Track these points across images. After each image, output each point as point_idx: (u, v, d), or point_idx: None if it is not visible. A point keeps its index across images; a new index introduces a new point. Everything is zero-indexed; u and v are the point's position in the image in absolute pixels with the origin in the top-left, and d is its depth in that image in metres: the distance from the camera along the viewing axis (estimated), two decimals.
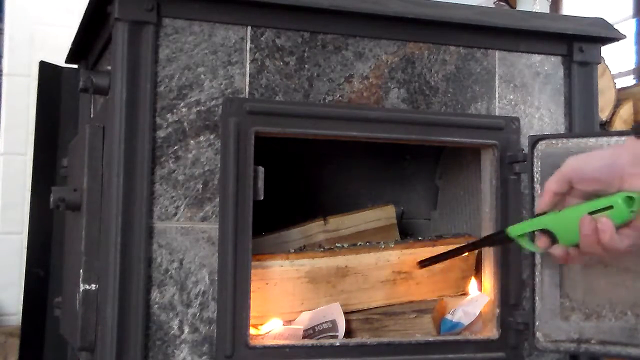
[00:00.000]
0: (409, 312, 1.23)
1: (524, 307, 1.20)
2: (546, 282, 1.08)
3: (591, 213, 0.86)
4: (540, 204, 0.91)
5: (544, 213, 0.91)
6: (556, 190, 0.89)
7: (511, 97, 1.24)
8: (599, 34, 1.26)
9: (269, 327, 1.18)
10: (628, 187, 0.84)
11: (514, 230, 0.94)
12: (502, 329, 1.17)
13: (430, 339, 1.16)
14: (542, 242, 0.91)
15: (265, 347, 1.08)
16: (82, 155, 1.11)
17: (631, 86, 2.98)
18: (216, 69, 1.09)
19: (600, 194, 0.86)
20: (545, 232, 0.90)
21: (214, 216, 1.07)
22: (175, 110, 1.07)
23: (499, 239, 0.99)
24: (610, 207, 0.84)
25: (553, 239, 0.90)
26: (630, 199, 0.83)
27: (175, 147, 1.06)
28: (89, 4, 1.13)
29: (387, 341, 1.14)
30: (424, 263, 1.10)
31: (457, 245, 1.13)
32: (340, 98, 1.15)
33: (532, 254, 1.10)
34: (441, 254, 1.11)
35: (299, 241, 1.36)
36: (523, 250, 0.95)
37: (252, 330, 1.15)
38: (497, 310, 1.18)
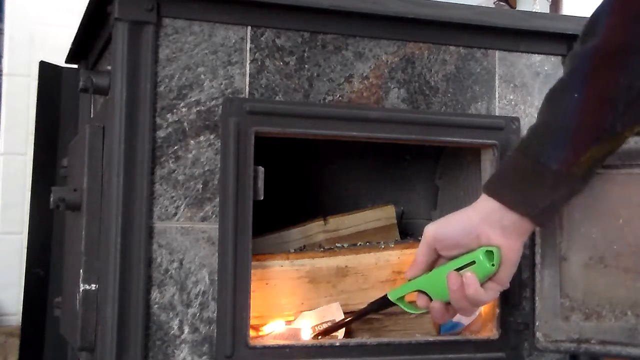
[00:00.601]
0: (409, 312, 1.23)
1: (524, 307, 1.20)
2: (546, 282, 1.08)
3: (458, 269, 0.92)
4: (413, 270, 0.97)
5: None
6: (425, 259, 0.95)
7: (511, 97, 1.24)
8: None
9: (273, 327, 1.18)
10: (484, 244, 0.90)
11: (393, 294, 1.01)
12: (502, 329, 1.18)
13: (430, 339, 1.16)
14: (420, 301, 0.97)
15: (265, 347, 1.08)
16: (82, 155, 1.11)
17: None
18: (216, 69, 1.09)
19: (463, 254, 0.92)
20: (421, 292, 0.96)
21: (214, 216, 1.07)
22: (175, 110, 1.07)
23: (383, 304, 1.04)
24: (473, 262, 0.91)
25: (429, 298, 0.96)
26: (490, 253, 0.90)
27: (175, 147, 1.06)
28: (89, 4, 1.13)
29: (387, 341, 1.14)
30: (318, 335, 1.14)
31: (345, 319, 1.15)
32: (340, 98, 1.15)
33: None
34: (335, 325, 1.15)
35: (299, 241, 1.36)
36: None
37: (256, 331, 1.16)
38: (497, 310, 1.18)
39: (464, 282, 0.91)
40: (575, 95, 0.83)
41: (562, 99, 0.85)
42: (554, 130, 0.85)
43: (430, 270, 0.96)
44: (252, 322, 1.10)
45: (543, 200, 0.86)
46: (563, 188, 0.86)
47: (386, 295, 1.02)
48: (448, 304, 0.95)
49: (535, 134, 0.88)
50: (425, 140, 1.19)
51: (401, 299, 1.01)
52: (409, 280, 0.98)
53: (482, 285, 0.91)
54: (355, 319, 1.14)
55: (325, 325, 1.15)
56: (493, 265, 0.90)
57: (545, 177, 0.85)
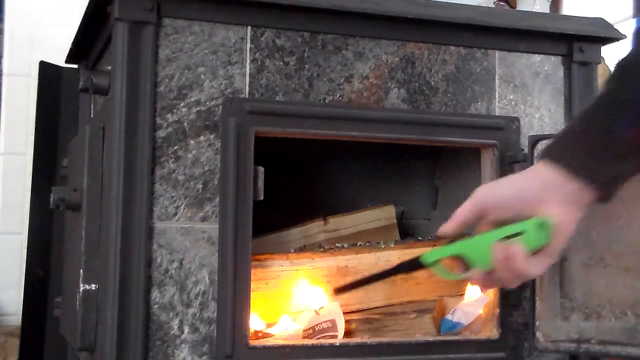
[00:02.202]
0: (409, 312, 1.23)
1: (524, 307, 1.20)
2: (546, 282, 1.08)
3: (504, 239, 0.86)
4: (449, 226, 0.89)
5: (450, 238, 0.91)
6: (467, 219, 0.89)
7: (511, 97, 1.24)
8: (599, 34, 1.26)
9: (273, 327, 1.18)
10: (538, 214, 0.84)
11: (427, 256, 0.94)
12: (502, 329, 1.17)
13: (430, 339, 1.16)
14: (458, 267, 0.91)
15: (265, 347, 1.08)
16: (82, 155, 1.11)
17: None
18: (216, 69, 1.09)
19: (512, 221, 0.86)
20: (459, 258, 0.90)
21: (214, 216, 1.07)
22: (175, 110, 1.07)
23: (413, 265, 0.98)
24: (522, 233, 0.84)
25: (467, 265, 0.90)
26: (541, 225, 0.84)
27: (175, 147, 1.06)
28: (89, 4, 1.13)
29: (387, 341, 1.14)
30: (340, 290, 1.07)
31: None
32: (340, 98, 1.15)
33: None
34: (358, 281, 1.08)
35: (299, 241, 1.36)
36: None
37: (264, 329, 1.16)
38: (497, 310, 1.18)
39: (509, 254, 0.84)
40: None
41: (636, 70, 0.82)
42: (626, 100, 0.81)
43: (468, 233, 0.90)
44: (260, 321, 1.10)
45: (610, 170, 0.82)
46: (632, 158, 0.82)
47: (419, 257, 0.95)
48: (489, 272, 0.87)
49: (603, 104, 0.83)
50: (425, 140, 1.19)
51: (435, 262, 0.93)
52: (441, 236, 0.91)
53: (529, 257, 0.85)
54: (380, 277, 1.04)
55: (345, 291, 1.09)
56: (544, 237, 0.83)
57: (615, 145, 0.81)
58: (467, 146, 1.24)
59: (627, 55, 0.84)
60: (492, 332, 1.18)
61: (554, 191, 0.83)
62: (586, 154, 0.82)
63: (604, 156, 0.82)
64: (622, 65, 0.84)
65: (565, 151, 0.84)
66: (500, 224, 0.87)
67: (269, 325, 1.19)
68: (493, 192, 0.88)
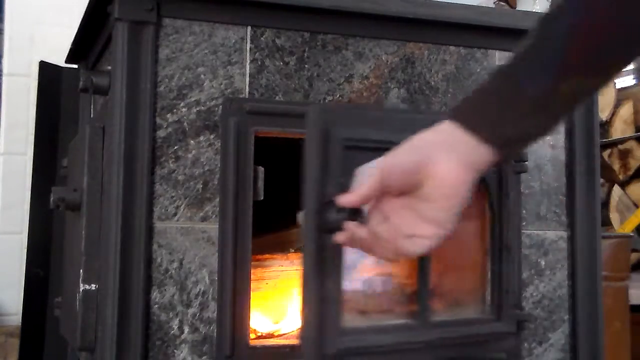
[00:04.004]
0: None
1: (523, 307, 1.20)
2: None
3: None
4: (345, 200, 0.82)
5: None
6: (369, 190, 0.81)
7: None
8: None
9: (281, 326, 1.18)
10: (430, 175, 0.77)
11: None
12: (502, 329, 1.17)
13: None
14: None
15: (265, 347, 1.08)
16: (82, 155, 1.11)
17: (631, 86, 2.98)
18: (216, 69, 1.09)
19: (414, 188, 0.78)
20: None
21: (214, 216, 1.07)
22: (175, 110, 1.07)
23: None
24: None
25: None
26: None
27: (175, 147, 1.06)
28: (89, 4, 1.13)
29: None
30: None
31: None
32: (340, 98, 1.15)
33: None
34: None
35: (299, 241, 1.36)
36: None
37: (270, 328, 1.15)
38: (497, 310, 1.17)
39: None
40: (572, 17, 0.73)
41: (556, 22, 0.75)
42: (542, 53, 0.75)
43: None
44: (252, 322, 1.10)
45: (513, 129, 0.76)
46: (538, 117, 0.76)
47: None
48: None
49: (520, 57, 0.76)
50: None
51: None
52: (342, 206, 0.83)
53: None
54: None
55: None
56: None
57: (521, 102, 0.75)
58: None
59: (553, 6, 0.77)
60: (492, 332, 1.17)
61: (449, 149, 0.77)
62: (489, 110, 0.76)
63: (508, 114, 0.76)
64: (546, 15, 0.77)
65: (468, 108, 0.78)
66: (400, 193, 0.79)
67: (269, 325, 1.19)
68: (391, 158, 0.80)
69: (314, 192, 0.90)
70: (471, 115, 0.77)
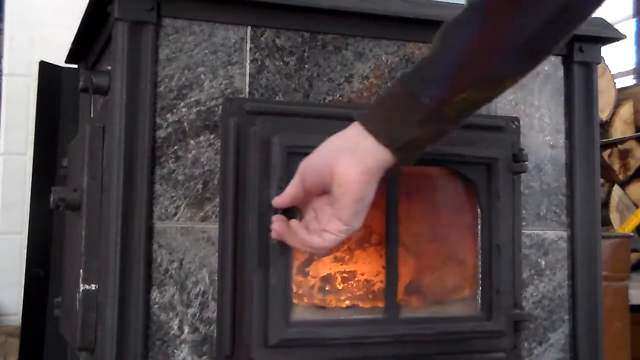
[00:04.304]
0: None
1: (523, 306, 1.20)
2: None
3: None
4: (276, 202, 0.95)
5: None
6: (295, 192, 0.91)
7: (511, 97, 1.24)
8: (599, 34, 1.26)
9: None
10: (333, 175, 0.85)
11: None
12: (501, 329, 1.17)
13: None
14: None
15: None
16: (82, 155, 1.11)
17: (631, 86, 2.99)
18: (216, 69, 1.09)
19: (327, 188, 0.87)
20: None
21: (214, 216, 1.07)
22: (175, 110, 1.07)
23: None
24: None
25: None
26: None
27: (175, 147, 1.06)
28: (89, 4, 1.13)
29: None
30: None
31: None
32: (340, 98, 1.15)
33: None
34: None
35: None
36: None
37: None
38: (497, 310, 1.17)
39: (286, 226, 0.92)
40: (468, 31, 0.79)
41: (453, 35, 0.81)
42: (437, 65, 0.81)
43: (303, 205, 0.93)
44: None
45: (408, 134, 0.82)
46: (431, 125, 0.83)
47: None
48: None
49: (419, 67, 0.84)
50: None
51: None
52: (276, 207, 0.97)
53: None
54: None
55: None
56: None
57: (414, 110, 0.81)
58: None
59: (454, 17, 0.83)
60: (491, 331, 1.18)
61: (350, 150, 0.84)
62: (388, 117, 0.83)
63: (405, 121, 0.82)
64: (445, 26, 0.83)
65: (370, 113, 0.84)
66: (321, 192, 0.88)
67: None
68: (308, 159, 0.89)
69: (255, 197, 1.03)
70: (372, 120, 0.84)
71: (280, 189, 0.98)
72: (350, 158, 0.84)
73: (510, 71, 0.82)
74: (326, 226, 0.88)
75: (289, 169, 1.00)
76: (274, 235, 0.96)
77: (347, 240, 0.98)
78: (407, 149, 0.84)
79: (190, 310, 1.05)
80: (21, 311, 1.57)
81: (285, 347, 1.03)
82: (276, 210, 0.98)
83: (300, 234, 0.91)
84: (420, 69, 0.84)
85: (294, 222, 0.93)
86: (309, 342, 1.05)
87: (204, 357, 1.06)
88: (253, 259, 1.03)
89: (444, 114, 0.82)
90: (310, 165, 0.89)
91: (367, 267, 1.21)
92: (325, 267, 1.19)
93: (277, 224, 0.94)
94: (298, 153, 0.99)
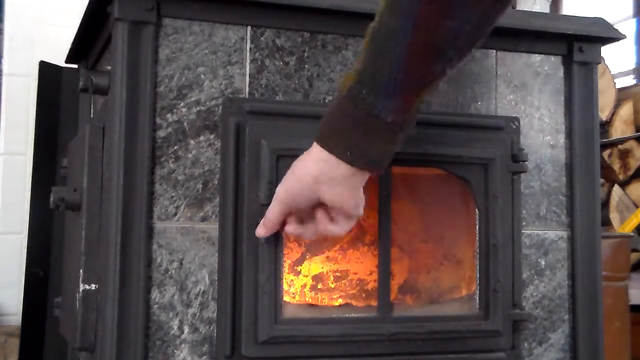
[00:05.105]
0: None
1: (523, 306, 1.20)
2: None
3: None
4: (260, 232, 0.99)
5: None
6: (278, 220, 0.96)
7: (511, 97, 1.24)
8: (599, 34, 1.26)
9: None
10: (321, 197, 0.90)
11: None
12: (501, 329, 1.17)
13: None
14: None
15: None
16: (82, 155, 1.11)
17: (631, 86, 2.99)
18: (216, 69, 1.09)
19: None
20: None
21: (214, 216, 1.07)
22: (175, 110, 1.07)
23: None
24: None
25: None
26: None
27: (175, 147, 1.06)
28: (89, 4, 1.13)
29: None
30: None
31: None
32: None
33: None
34: None
35: None
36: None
37: None
38: (497, 310, 1.17)
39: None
40: (403, 40, 0.78)
41: (388, 45, 0.80)
42: (383, 79, 0.80)
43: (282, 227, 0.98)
44: None
45: (380, 152, 0.85)
46: (399, 136, 0.85)
47: None
48: None
49: (363, 82, 0.82)
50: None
51: None
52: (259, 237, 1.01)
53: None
54: None
55: None
56: None
57: (381, 129, 0.83)
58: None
59: (379, 21, 0.82)
60: (491, 331, 1.18)
61: (328, 176, 0.88)
62: (353, 140, 0.84)
63: (373, 140, 0.83)
64: (374, 34, 0.82)
65: (334, 136, 0.86)
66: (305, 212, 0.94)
67: None
68: (291, 192, 0.92)
69: (245, 197, 1.05)
70: (339, 147, 0.85)
71: (270, 191, 1.01)
72: (331, 184, 0.88)
73: (453, 64, 0.82)
74: (340, 224, 0.94)
75: (279, 172, 1.03)
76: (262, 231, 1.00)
77: (329, 238, 1.05)
78: (382, 163, 0.87)
79: (190, 310, 1.05)
80: (21, 311, 1.57)
81: (275, 344, 1.04)
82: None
83: (321, 225, 0.94)
84: (367, 85, 0.82)
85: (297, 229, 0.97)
86: (298, 340, 1.06)
87: (204, 357, 1.06)
88: (245, 256, 1.05)
89: (409, 121, 0.84)
90: (292, 193, 0.92)
91: (360, 266, 1.22)
92: (317, 266, 1.20)
93: (292, 226, 0.97)
94: (287, 156, 1.02)
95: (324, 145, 0.87)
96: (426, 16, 0.77)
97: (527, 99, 1.25)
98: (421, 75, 0.80)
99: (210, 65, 1.09)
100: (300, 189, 0.91)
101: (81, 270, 1.07)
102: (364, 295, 1.21)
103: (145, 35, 1.04)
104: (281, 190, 0.94)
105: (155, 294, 1.04)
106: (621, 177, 2.61)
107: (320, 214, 0.93)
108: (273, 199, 0.96)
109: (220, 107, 1.08)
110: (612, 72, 2.70)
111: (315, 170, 0.88)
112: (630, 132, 2.67)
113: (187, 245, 1.06)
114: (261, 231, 0.99)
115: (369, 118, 0.82)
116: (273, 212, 0.96)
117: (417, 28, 0.78)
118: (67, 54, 1.42)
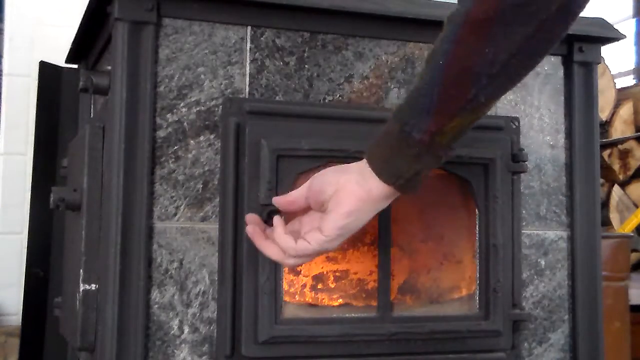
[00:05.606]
0: None
1: (523, 307, 1.20)
2: None
3: None
4: (276, 201, 0.96)
5: None
6: (296, 198, 0.94)
7: (511, 97, 1.24)
8: (599, 34, 1.26)
9: None
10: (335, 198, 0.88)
11: None
12: (501, 329, 1.17)
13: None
14: None
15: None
16: (82, 155, 1.11)
17: (631, 86, 2.99)
18: (216, 69, 1.09)
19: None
20: None
21: (214, 216, 1.07)
22: (175, 110, 1.07)
23: None
24: None
25: None
26: None
27: (175, 147, 1.06)
28: (89, 4, 1.13)
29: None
30: None
31: None
32: (340, 98, 1.15)
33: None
34: None
35: None
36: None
37: None
38: (497, 310, 1.17)
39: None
40: (443, 62, 0.80)
41: (432, 67, 0.82)
42: (422, 98, 0.82)
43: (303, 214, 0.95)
44: None
45: (407, 171, 0.85)
46: (426, 157, 0.85)
47: None
48: None
49: (408, 99, 0.85)
50: None
51: None
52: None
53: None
54: None
55: None
56: None
57: (409, 146, 0.83)
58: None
59: (436, 43, 0.83)
60: (491, 331, 1.18)
61: (360, 175, 0.87)
62: (386, 155, 0.86)
63: (401, 157, 0.84)
64: (429, 55, 0.84)
65: (372, 149, 0.88)
66: (318, 207, 0.91)
67: None
68: (321, 172, 0.92)
69: (244, 197, 1.05)
70: (373, 158, 0.87)
71: (270, 190, 1.01)
72: (357, 177, 0.87)
73: (491, 95, 0.83)
74: (306, 235, 0.90)
75: (279, 172, 1.04)
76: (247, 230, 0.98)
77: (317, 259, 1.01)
78: (407, 183, 0.86)
79: (190, 310, 1.05)
80: (21, 311, 1.57)
81: (275, 344, 1.04)
82: (266, 212, 1.01)
83: (277, 230, 0.92)
84: (409, 101, 0.84)
85: (276, 218, 0.94)
86: (298, 340, 1.06)
87: (204, 357, 1.06)
88: (244, 256, 1.04)
89: (437, 144, 0.84)
90: (321, 177, 0.91)
91: (360, 266, 1.22)
92: (318, 266, 1.20)
93: (251, 226, 0.96)
94: (287, 156, 1.02)
95: (365, 155, 0.88)
96: (465, 40, 0.79)
97: (527, 99, 1.25)
98: (454, 99, 0.81)
99: (210, 65, 1.09)
100: (331, 174, 0.90)
101: (81, 270, 1.07)
102: (364, 295, 1.21)
103: (145, 35, 1.04)
104: (317, 174, 0.92)
105: (155, 294, 1.04)
106: (621, 177, 2.61)
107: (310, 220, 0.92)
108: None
109: (220, 107, 1.08)
110: (612, 72, 2.70)
111: (352, 167, 0.89)
112: (630, 132, 2.67)
113: (187, 245, 1.06)
114: (277, 200, 0.97)
115: (400, 134, 0.84)
116: (297, 189, 0.94)
117: (455, 51, 0.80)
118: (67, 54, 1.42)
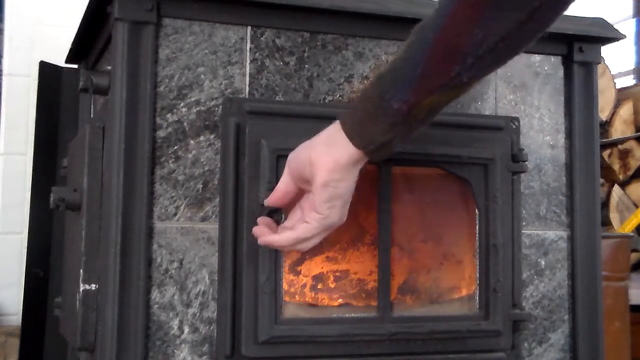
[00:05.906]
0: None
1: (523, 307, 1.20)
2: None
3: None
4: (271, 198, 0.96)
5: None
6: (284, 189, 0.95)
7: (511, 97, 1.24)
8: (599, 34, 1.26)
9: None
10: (311, 168, 0.89)
11: None
12: (501, 329, 1.17)
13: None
14: None
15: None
16: (82, 155, 1.11)
17: (631, 86, 2.99)
18: (216, 69, 1.09)
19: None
20: None
21: (214, 216, 1.07)
22: (175, 110, 1.07)
23: None
24: None
25: None
26: None
27: (175, 147, 1.06)
28: (89, 4, 1.13)
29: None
30: None
31: None
32: (340, 98, 1.15)
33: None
34: None
35: None
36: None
37: None
38: (497, 310, 1.17)
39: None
40: (430, 38, 0.81)
41: (419, 40, 0.82)
42: (404, 69, 0.83)
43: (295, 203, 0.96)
44: None
45: (379, 138, 0.86)
46: (401, 127, 0.86)
47: None
48: None
49: (392, 67, 0.85)
50: None
51: None
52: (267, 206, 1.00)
53: None
54: None
55: None
56: None
57: (386, 114, 0.84)
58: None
59: (428, 17, 0.84)
60: (491, 331, 1.18)
61: (326, 142, 0.89)
62: (361, 120, 0.86)
63: (376, 124, 0.85)
64: (418, 26, 0.84)
65: (348, 112, 0.89)
66: (306, 184, 0.92)
67: None
68: (293, 152, 0.93)
69: (245, 197, 1.05)
70: (348, 120, 0.88)
71: (269, 191, 1.00)
72: (324, 148, 0.88)
73: (474, 75, 0.83)
74: (306, 217, 0.91)
75: (279, 172, 1.03)
76: (254, 232, 0.98)
77: (329, 239, 0.99)
78: (378, 150, 0.88)
79: (190, 310, 1.05)
80: (21, 311, 1.57)
81: (275, 344, 1.04)
82: (266, 211, 1.02)
83: (282, 231, 0.94)
84: (393, 69, 0.85)
85: (261, 219, 0.97)
86: (298, 340, 1.06)
87: (204, 357, 1.06)
88: (244, 256, 1.05)
89: (414, 116, 0.85)
90: (295, 158, 0.92)
91: (360, 266, 1.22)
92: (318, 266, 1.19)
93: (259, 227, 0.97)
94: (287, 156, 1.01)
95: (339, 116, 0.89)
96: (457, 17, 0.79)
97: (527, 99, 1.25)
98: (438, 75, 0.81)
99: (210, 65, 1.09)
100: (301, 150, 0.91)
101: (81, 270, 1.07)
102: (364, 295, 1.21)
103: (145, 35, 1.04)
104: (290, 155, 0.94)
105: (155, 294, 1.04)
106: (621, 177, 2.61)
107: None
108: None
109: (220, 107, 1.08)
110: (612, 72, 2.70)
111: (323, 135, 0.90)
112: (630, 132, 2.67)
113: (187, 245, 1.06)
114: (267, 200, 0.97)
115: (379, 101, 0.84)
116: (280, 180, 0.95)
117: (446, 27, 0.80)
118: (67, 54, 1.42)
